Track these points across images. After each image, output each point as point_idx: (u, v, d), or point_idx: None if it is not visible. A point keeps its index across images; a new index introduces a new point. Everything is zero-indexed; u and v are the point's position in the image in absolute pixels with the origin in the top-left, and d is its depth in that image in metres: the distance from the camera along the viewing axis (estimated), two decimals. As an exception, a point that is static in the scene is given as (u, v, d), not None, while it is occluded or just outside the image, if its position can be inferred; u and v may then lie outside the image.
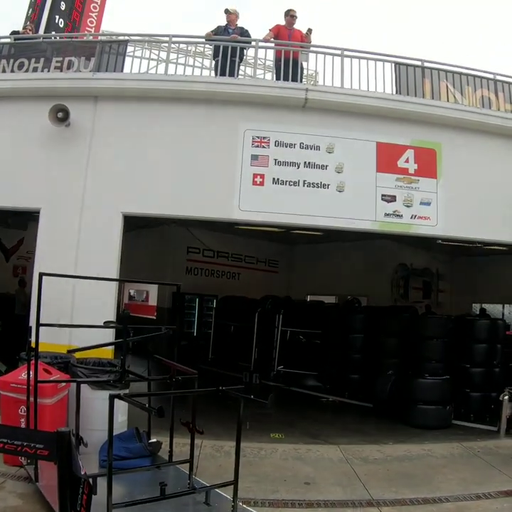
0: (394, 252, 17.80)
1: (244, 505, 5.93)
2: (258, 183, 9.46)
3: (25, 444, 3.94)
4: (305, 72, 11.35)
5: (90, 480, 3.93)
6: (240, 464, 5.81)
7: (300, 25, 11.06)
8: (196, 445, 7.02)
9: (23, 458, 6.87)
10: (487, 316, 15.88)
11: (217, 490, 5.99)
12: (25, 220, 16.62)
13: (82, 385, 6.91)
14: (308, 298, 19.12)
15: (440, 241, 13.20)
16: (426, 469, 8.00)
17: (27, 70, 9.89)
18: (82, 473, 3.81)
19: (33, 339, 6.55)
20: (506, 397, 10.30)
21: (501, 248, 12.11)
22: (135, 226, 11.17)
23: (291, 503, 6.48)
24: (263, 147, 9.56)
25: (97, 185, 9.31)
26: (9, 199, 9.46)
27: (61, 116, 9.11)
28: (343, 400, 12.76)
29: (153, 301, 18.14)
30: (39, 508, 5.83)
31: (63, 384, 7.38)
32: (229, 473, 5.88)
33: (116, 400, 6.70)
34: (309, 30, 10.88)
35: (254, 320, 15.52)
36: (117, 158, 9.41)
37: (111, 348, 8.60)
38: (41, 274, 6.41)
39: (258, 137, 9.57)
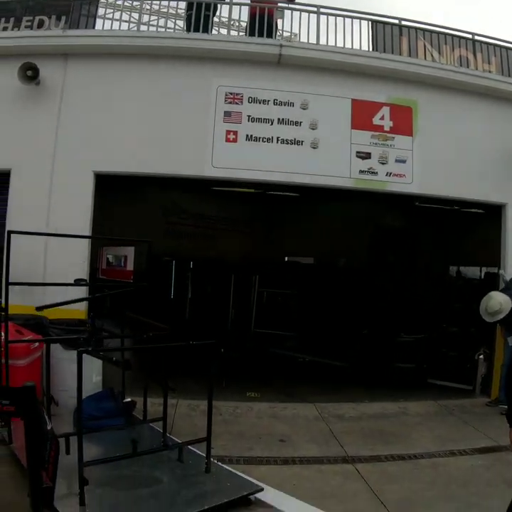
0: (371, 214, 17.77)
1: (218, 462, 5.93)
2: (231, 139, 9.30)
3: (-10, 400, 3.85)
4: (283, 33, 11.14)
5: (56, 435, 3.86)
6: (215, 422, 5.81)
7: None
8: (172, 404, 7.03)
9: (-4, 420, 6.86)
10: (464, 277, 15.94)
11: (191, 447, 5.99)
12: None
13: (55, 346, 6.82)
14: (286, 259, 19.05)
15: (417, 203, 13.15)
16: (401, 427, 8.06)
17: (-4, 30, 9.59)
18: (49, 428, 3.76)
19: (3, 299, 6.44)
20: (481, 357, 10.38)
21: (479, 211, 12.09)
22: (111, 190, 10.99)
23: (267, 460, 6.50)
24: (236, 103, 9.39)
25: (68, 144, 9.09)
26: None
27: (30, 74, 8.87)
28: (320, 359, 12.80)
29: (130, 265, 17.96)
30: (13, 469, 5.77)
31: (36, 344, 7.31)
32: (204, 432, 5.86)
33: (90, 361, 6.66)
34: None
35: (231, 281, 15.50)
36: (88, 116, 9.19)
37: (84, 308, 8.55)
38: (9, 232, 6.29)
39: (231, 94, 9.39)
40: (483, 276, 12.93)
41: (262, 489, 5.32)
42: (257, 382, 10.21)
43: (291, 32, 11.41)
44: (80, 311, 8.28)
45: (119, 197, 15.25)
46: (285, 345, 13.93)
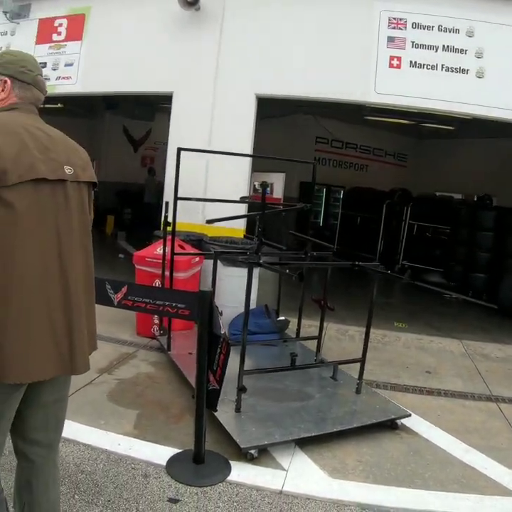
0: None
1: (367, 386, 6.12)
2: (395, 65, 8.96)
3: (166, 303, 4.13)
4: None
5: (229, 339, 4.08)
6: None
7: None
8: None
9: (155, 329, 7.36)
10: None
11: (341, 368, 6.19)
12: (152, 111, 16.94)
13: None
14: (437, 194, 18.67)
15: None
16: (548, 374, 7.90)
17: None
18: (222, 332, 3.97)
19: (170, 214, 6.77)
20: None
21: None
22: (264, 116, 11.00)
23: (412, 388, 6.62)
24: (400, 29, 9.03)
25: (230, 68, 9.18)
26: (142, 84, 9.58)
27: (191, 0, 9.05)
28: (467, 298, 12.64)
29: (277, 193, 18.19)
30: (172, 375, 6.21)
31: (196, 259, 7.69)
32: (352, 355, 6.07)
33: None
34: None
35: (381, 212, 15.43)
36: (250, 41, 9.18)
37: (243, 227, 8.87)
38: (179, 149, 6.61)
39: (394, 18, 9.05)
40: None
41: (409, 415, 5.46)
42: (404, 313, 10.32)
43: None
44: (239, 229, 8.62)
45: (271, 123, 15.41)
46: (432, 281, 13.86)
